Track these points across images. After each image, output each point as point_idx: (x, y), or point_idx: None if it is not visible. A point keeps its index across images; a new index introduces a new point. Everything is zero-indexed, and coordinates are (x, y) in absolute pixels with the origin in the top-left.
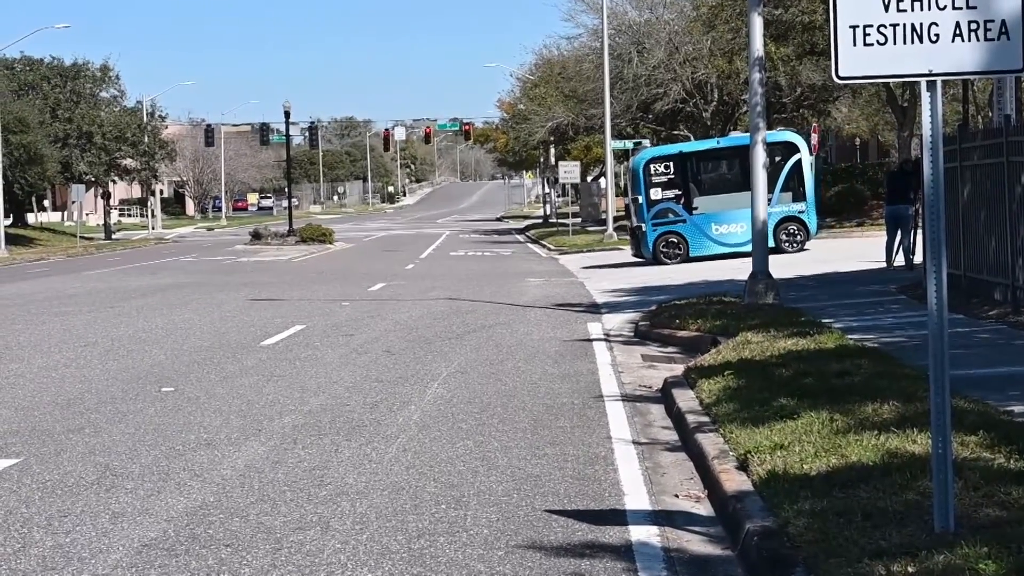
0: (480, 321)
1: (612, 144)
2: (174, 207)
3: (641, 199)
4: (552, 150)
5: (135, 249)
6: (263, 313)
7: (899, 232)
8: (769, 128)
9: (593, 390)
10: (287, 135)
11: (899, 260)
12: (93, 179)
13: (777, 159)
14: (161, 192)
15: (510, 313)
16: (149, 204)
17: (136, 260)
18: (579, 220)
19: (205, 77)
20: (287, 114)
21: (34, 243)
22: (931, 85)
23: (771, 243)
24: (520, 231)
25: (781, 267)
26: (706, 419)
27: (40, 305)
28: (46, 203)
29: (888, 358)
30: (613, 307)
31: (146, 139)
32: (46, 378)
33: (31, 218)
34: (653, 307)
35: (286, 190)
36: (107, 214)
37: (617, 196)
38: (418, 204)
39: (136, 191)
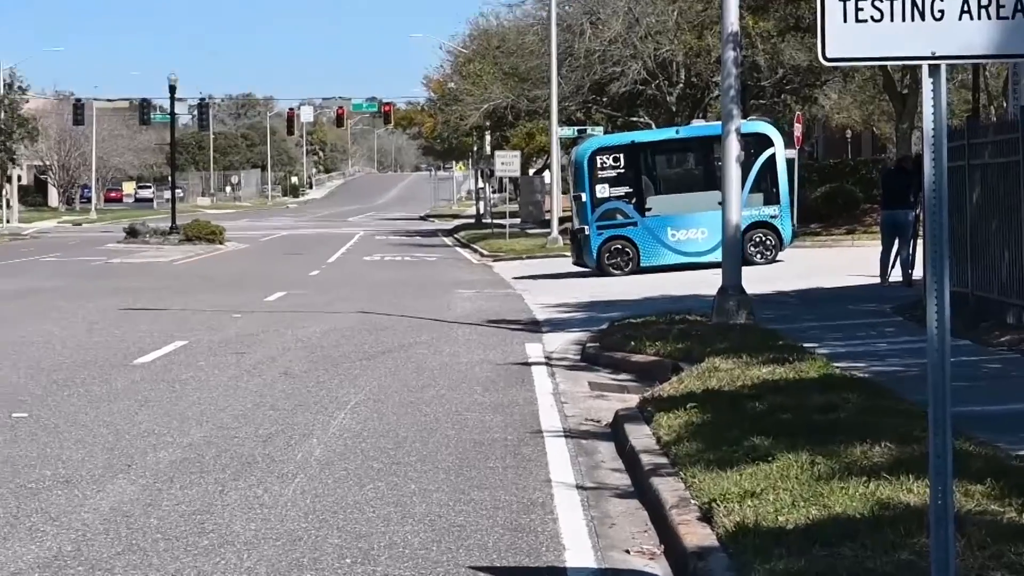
0: (398, 339)
1: (559, 132)
2: (34, 197)
3: (585, 197)
4: (488, 137)
5: None
6: (138, 325)
7: (896, 242)
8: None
9: (531, 424)
10: (172, 113)
11: (896, 275)
12: None
13: (746, 154)
14: (19, 179)
15: (434, 330)
16: (3, 193)
17: None
18: (518, 221)
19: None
20: (172, 89)
21: None
22: (934, 70)
23: None
24: (448, 232)
25: (756, 281)
26: (664, 460)
27: None
28: None
29: (881, 391)
30: (556, 325)
31: (1, 115)
32: None
33: None
34: (604, 326)
35: (169, 179)
36: None
37: (564, 193)
38: (327, 198)
39: None
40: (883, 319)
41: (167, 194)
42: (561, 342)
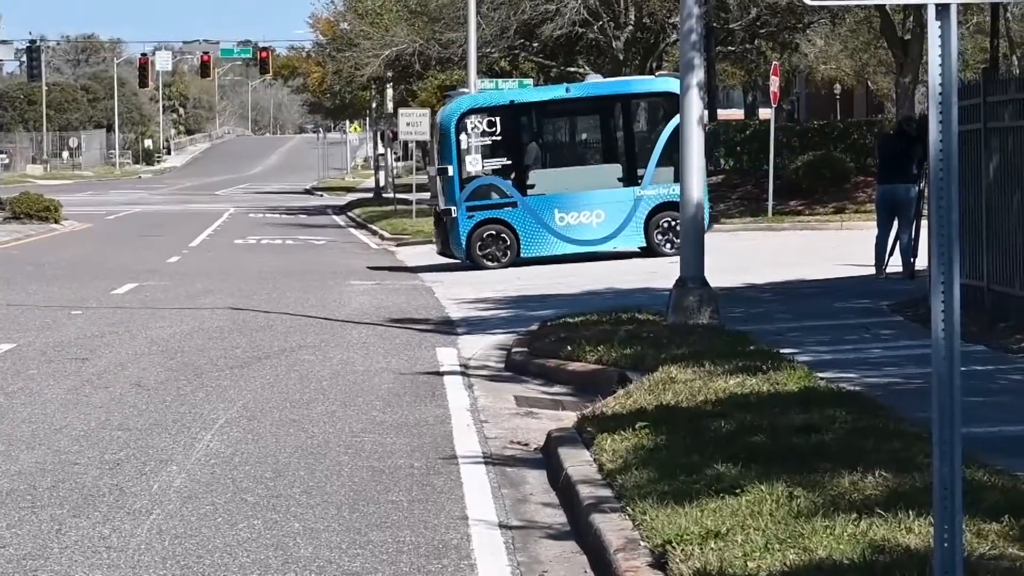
0: (278, 342)
1: (479, 85)
2: None
3: (451, 171)
4: (389, 91)
5: None
6: None
7: (896, 223)
8: (710, 66)
9: (443, 448)
10: None
11: (895, 264)
12: None
13: (651, 119)
14: None
15: (323, 331)
16: None
17: None
18: (427, 196)
19: None
20: None
21: None
22: (942, 11)
23: (639, 240)
24: (340, 210)
25: (723, 272)
26: (607, 492)
27: None
28: None
29: (875, 407)
30: (475, 325)
31: None
32: None
33: None
34: (533, 326)
35: None
36: None
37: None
38: (190, 166)
39: None
40: (878, 319)
41: None
42: (481, 346)
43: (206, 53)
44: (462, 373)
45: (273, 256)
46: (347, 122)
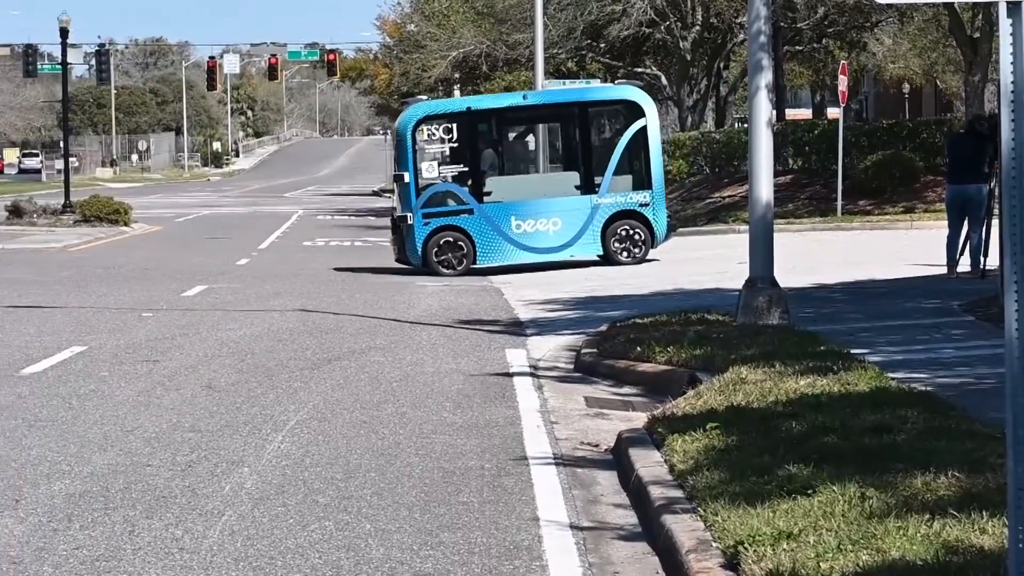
0: (348, 344)
1: (546, 85)
2: None
3: (408, 177)
4: (456, 93)
5: None
6: (24, 327)
7: (966, 223)
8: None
9: (513, 449)
10: (64, 63)
11: (965, 263)
12: None
13: (611, 126)
14: None
15: (392, 333)
16: None
17: None
18: None
19: None
20: (64, 32)
21: None
22: (1014, 9)
23: (596, 249)
24: None
25: (792, 272)
26: (678, 493)
27: None
28: None
29: (947, 408)
30: (544, 326)
31: None
32: None
33: None
34: (603, 327)
35: (61, 145)
36: None
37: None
38: (258, 169)
39: None
40: (950, 319)
41: (59, 164)
42: (550, 347)
43: (274, 56)
44: (531, 374)
45: (342, 258)
46: None
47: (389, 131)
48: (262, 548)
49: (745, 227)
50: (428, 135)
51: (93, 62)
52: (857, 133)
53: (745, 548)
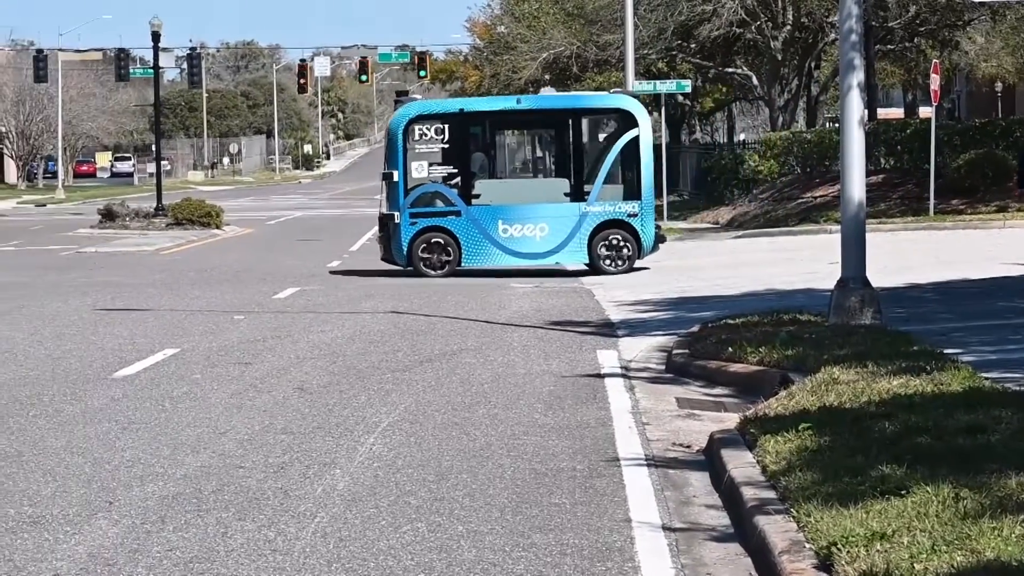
0: (439, 346)
1: (637, 86)
2: None
3: (397, 176)
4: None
5: None
6: (117, 330)
7: None
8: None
9: (605, 450)
10: (155, 67)
11: None
12: None
13: (603, 135)
14: None
15: (483, 334)
16: None
17: None
18: None
19: None
20: (156, 36)
21: None
22: None
23: (583, 257)
24: None
25: (884, 272)
26: (771, 494)
27: None
28: None
29: None
30: (635, 327)
31: None
32: None
33: None
34: (694, 328)
35: (153, 148)
36: None
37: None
38: (349, 171)
39: None
40: None
41: (151, 167)
42: (641, 348)
43: (364, 58)
44: (623, 375)
45: None
46: None
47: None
48: (354, 550)
49: (837, 227)
50: (420, 135)
51: (185, 66)
52: (949, 132)
53: (838, 549)
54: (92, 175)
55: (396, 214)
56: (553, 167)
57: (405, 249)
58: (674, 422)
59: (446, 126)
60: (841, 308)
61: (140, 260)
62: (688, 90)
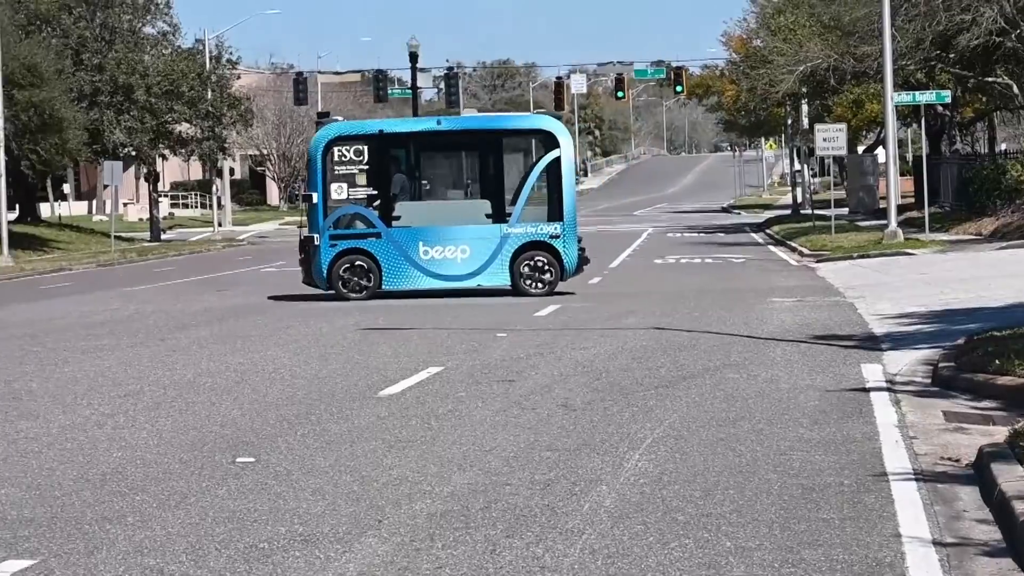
0: (701, 362)
1: (895, 98)
2: (250, 193)
3: (316, 198)
4: (804, 107)
5: (195, 255)
6: (382, 349)
7: None
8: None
9: (872, 465)
10: (413, 88)
11: None
12: (134, 153)
13: (524, 155)
14: (231, 172)
15: (746, 349)
16: (214, 189)
17: (196, 271)
18: (846, 211)
19: (295, 5)
20: (414, 57)
21: (50, 245)
22: None
23: (504, 279)
24: (758, 227)
25: None
26: None
27: (59, 337)
28: (66, 188)
29: None
30: (899, 340)
31: (209, 94)
32: (70, 443)
33: (45, 209)
34: (959, 340)
35: None
36: (154, 204)
37: (903, 175)
38: (606, 187)
39: (195, 171)
40: None
41: None
42: (906, 362)
43: (621, 74)
44: (888, 389)
45: (693, 275)
46: (762, 139)
47: (736, 147)
48: (623, 566)
49: None
50: (339, 156)
51: (442, 85)
52: None
53: None
54: None
55: (316, 236)
56: (475, 189)
57: (325, 271)
58: (941, 436)
59: (366, 147)
60: None
61: None
62: (948, 100)
